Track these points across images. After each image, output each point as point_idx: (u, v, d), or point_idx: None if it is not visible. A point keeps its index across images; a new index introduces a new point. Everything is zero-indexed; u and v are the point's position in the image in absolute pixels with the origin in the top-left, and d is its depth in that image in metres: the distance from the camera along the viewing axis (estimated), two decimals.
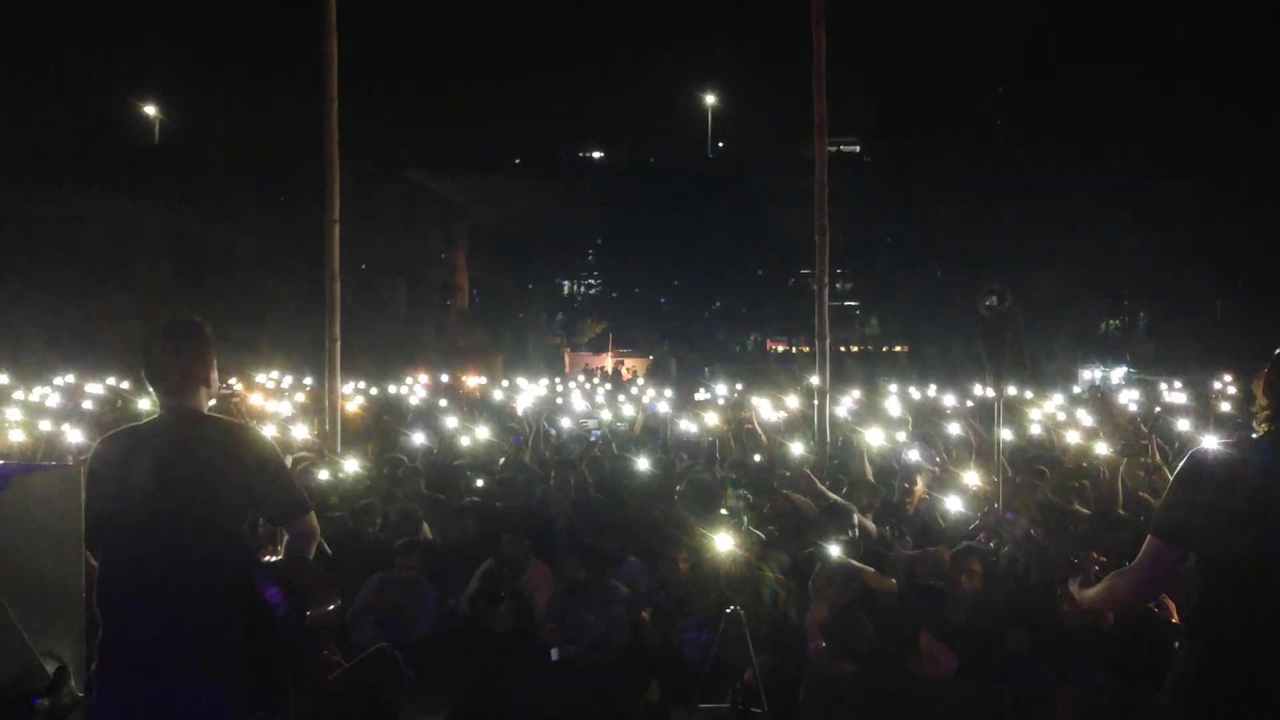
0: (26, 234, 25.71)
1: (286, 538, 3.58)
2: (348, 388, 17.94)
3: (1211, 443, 3.02)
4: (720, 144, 52.03)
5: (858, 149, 51.83)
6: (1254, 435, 2.92)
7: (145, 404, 9.65)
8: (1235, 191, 25.34)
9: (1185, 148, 25.62)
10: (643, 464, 8.37)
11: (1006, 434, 6.87)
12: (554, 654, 6.04)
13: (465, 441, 10.60)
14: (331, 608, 3.46)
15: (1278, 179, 24.09)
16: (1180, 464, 2.94)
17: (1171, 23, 26.81)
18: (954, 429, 10.43)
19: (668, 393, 16.28)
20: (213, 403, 3.68)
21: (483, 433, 10.61)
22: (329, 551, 6.36)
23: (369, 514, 7.83)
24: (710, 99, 49.56)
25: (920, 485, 7.49)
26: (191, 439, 3.39)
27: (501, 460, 9.99)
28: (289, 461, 8.56)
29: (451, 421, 11.58)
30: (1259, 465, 2.79)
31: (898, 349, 42.07)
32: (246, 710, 3.29)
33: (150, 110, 42.25)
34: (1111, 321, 38.29)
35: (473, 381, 20.54)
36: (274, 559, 3.59)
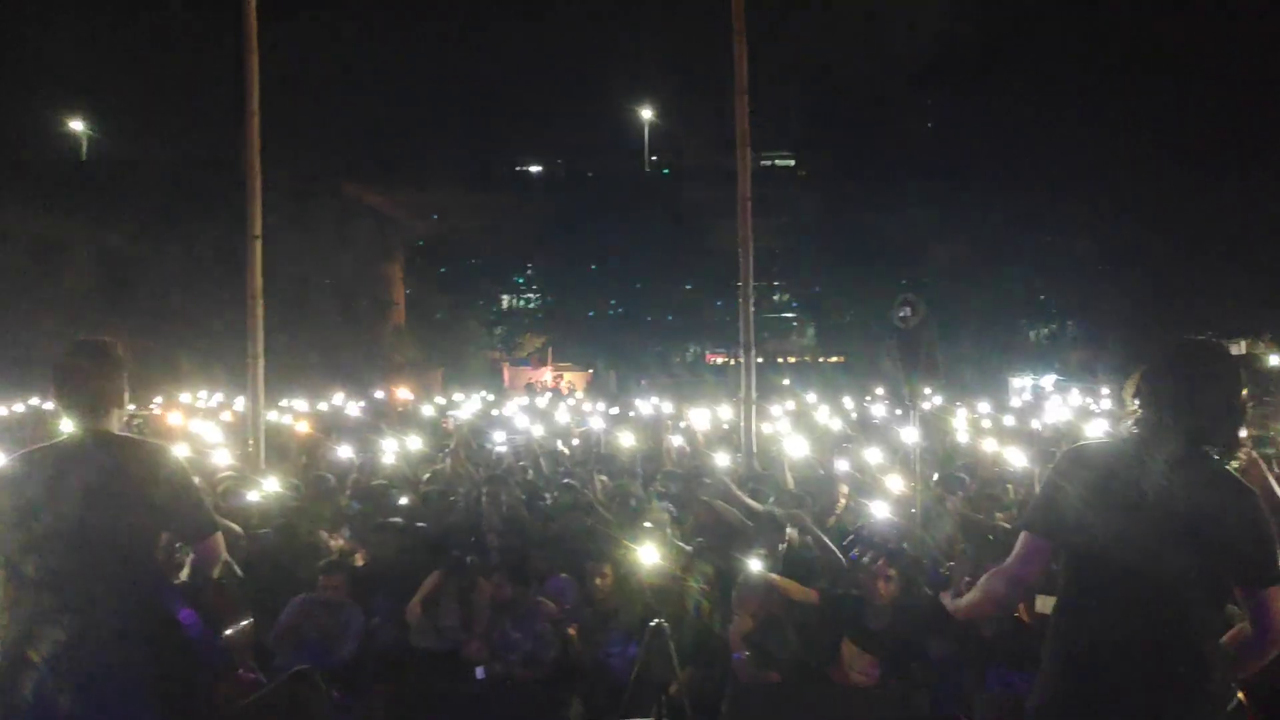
0: None
1: (191, 558, 3.54)
2: (284, 405, 17.73)
3: (1086, 440, 3.10)
4: (655, 158, 52.23)
5: (792, 163, 52.39)
6: (1124, 435, 2.99)
7: (67, 425, 9.40)
8: (1161, 202, 26.02)
9: (1113, 160, 26.25)
10: (568, 481, 8.35)
11: (915, 436, 6.95)
12: (479, 672, 6.00)
13: (391, 459, 10.49)
14: (243, 625, 3.44)
15: (1203, 191, 24.80)
16: (1054, 461, 3.01)
17: (1098, 37, 27.41)
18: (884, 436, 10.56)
19: (600, 407, 16.28)
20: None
21: (413, 446, 10.51)
22: (239, 573, 6.27)
23: (291, 533, 7.74)
24: (647, 113, 49.76)
25: (843, 495, 7.56)
26: (102, 459, 3.35)
27: (427, 476, 9.90)
28: (206, 482, 8.45)
29: (382, 438, 11.46)
30: (1126, 464, 2.86)
31: (834, 359, 42.55)
32: None
33: (77, 126, 41.36)
34: (1041, 330, 39.09)
35: (404, 396, 20.34)
36: (184, 580, 3.54)
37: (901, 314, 5.84)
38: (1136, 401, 2.95)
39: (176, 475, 3.43)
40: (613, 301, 43.05)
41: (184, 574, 3.62)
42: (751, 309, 9.14)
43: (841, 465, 8.77)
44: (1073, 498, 2.87)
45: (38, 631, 3.19)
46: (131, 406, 4.28)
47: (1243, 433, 2.94)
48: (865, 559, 5.87)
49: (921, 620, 5.75)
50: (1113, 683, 2.79)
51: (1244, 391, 2.89)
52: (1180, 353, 2.92)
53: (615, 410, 16.73)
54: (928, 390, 8.44)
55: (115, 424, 3.48)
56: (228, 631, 3.42)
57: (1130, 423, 2.95)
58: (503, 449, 10.20)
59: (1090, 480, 2.87)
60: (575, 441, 12.69)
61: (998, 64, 29.92)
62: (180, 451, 8.87)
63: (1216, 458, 2.86)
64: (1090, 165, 26.94)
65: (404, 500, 8.47)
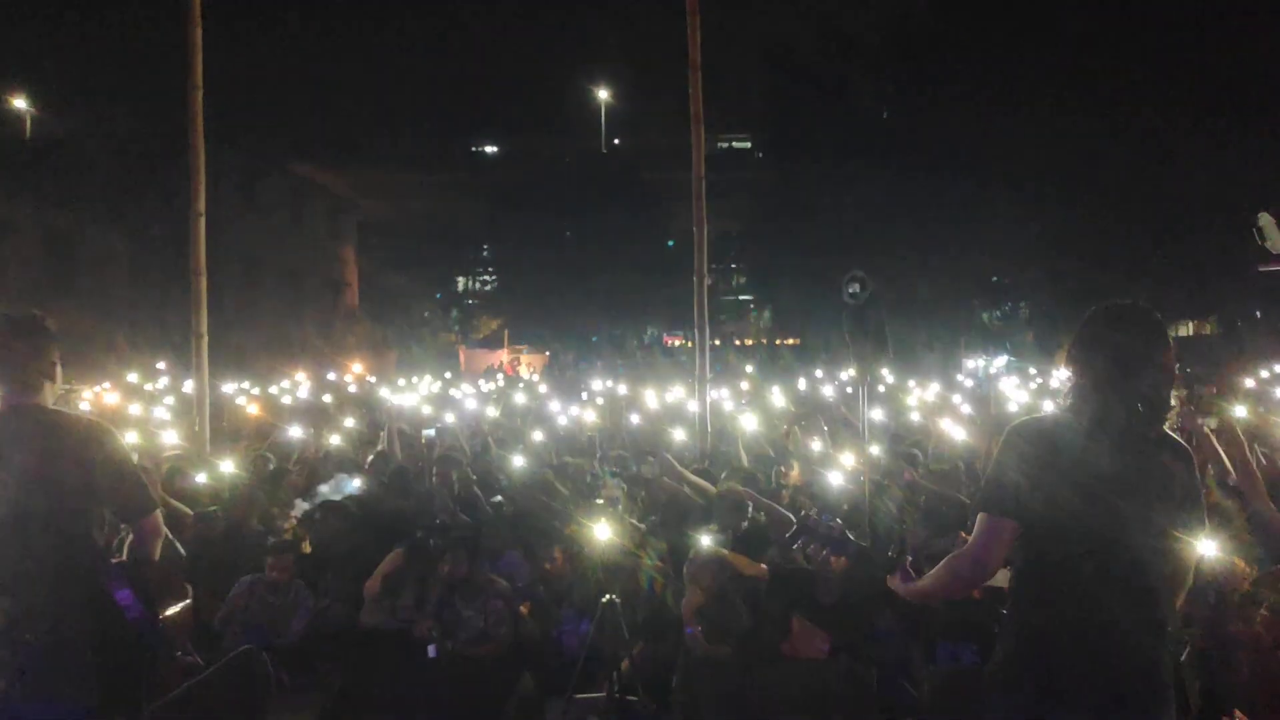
0: None
1: (130, 537, 3.47)
2: (230, 387, 17.48)
3: (1030, 416, 3.11)
4: (615, 140, 52.11)
5: (749, 144, 52.51)
6: (1062, 408, 3.00)
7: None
8: (1111, 185, 26.37)
9: (1064, 143, 26.51)
10: (519, 459, 8.32)
11: (878, 416, 7.00)
12: (431, 650, 5.96)
13: (335, 439, 10.39)
14: (182, 606, 3.38)
15: (1153, 173, 25.15)
16: (1001, 439, 3.01)
17: (1052, 18, 27.62)
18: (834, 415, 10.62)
19: (544, 389, 16.21)
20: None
21: (347, 428, 10.41)
22: (182, 552, 6.18)
23: (237, 514, 7.66)
24: (603, 94, 49.60)
25: (795, 470, 7.60)
26: (37, 436, 3.27)
27: (370, 458, 9.81)
28: (152, 462, 8.33)
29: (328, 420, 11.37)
30: (1068, 435, 2.87)
31: (789, 342, 42.77)
32: (100, 714, 3.17)
33: (20, 104, 40.42)
34: (993, 312, 39.52)
35: (349, 378, 20.09)
36: (122, 559, 3.47)
37: (851, 290, 5.87)
38: (1069, 372, 2.97)
39: (114, 452, 3.36)
40: (568, 283, 42.87)
41: (124, 553, 3.55)
42: (706, 289, 9.13)
43: (796, 441, 8.80)
44: (1022, 474, 2.86)
45: (5, 618, 3.14)
46: (67, 386, 4.20)
47: (1173, 397, 2.95)
48: (809, 550, 5.90)
49: (871, 595, 5.80)
50: (1072, 653, 2.80)
51: (1170, 353, 2.90)
52: (1104, 318, 2.93)
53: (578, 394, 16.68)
54: (883, 369, 8.48)
55: (49, 398, 3.40)
56: (167, 612, 3.35)
57: (1065, 393, 2.97)
58: (430, 433, 10.06)
59: (1036, 455, 2.87)
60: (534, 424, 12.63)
61: (950, 46, 30.09)
62: (129, 434, 8.79)
63: (1151, 421, 2.88)
64: (1042, 148, 27.19)
65: (356, 482, 8.37)
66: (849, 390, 13.78)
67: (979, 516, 2.97)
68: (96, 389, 15.32)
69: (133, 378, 17.32)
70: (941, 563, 3.07)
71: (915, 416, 11.81)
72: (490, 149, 60.29)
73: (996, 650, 2.99)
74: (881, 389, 14.10)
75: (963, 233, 30.59)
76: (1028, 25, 28.14)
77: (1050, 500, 2.81)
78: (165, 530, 3.56)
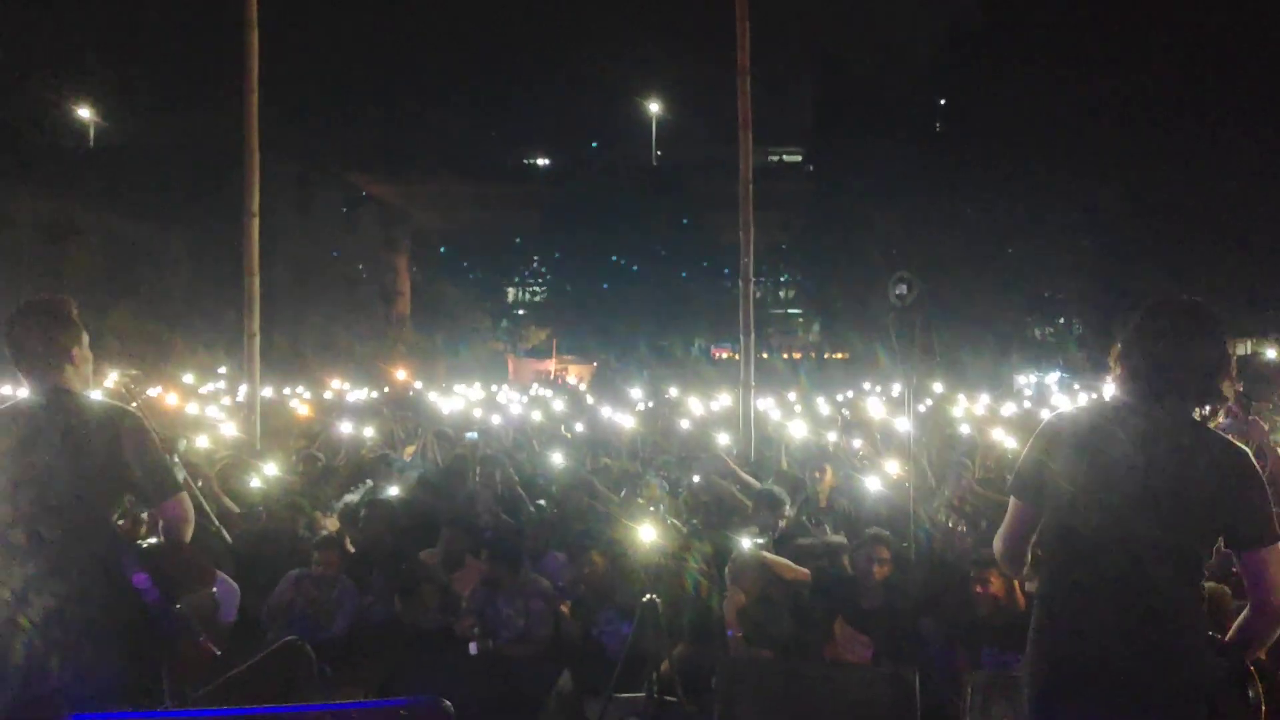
0: None
1: (162, 522, 3.49)
2: (284, 390, 17.75)
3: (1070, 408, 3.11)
4: (660, 152, 52.24)
5: (800, 158, 52.33)
6: (1106, 401, 3.02)
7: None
8: (1171, 202, 25.90)
9: (1122, 155, 26.09)
10: (558, 459, 8.34)
11: (909, 422, 6.92)
12: (472, 648, 5.98)
13: (370, 431, 10.48)
14: (201, 594, 3.40)
15: (1210, 193, 24.66)
16: (1038, 429, 3.02)
17: (1113, 31, 27.20)
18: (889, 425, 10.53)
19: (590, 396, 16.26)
20: (119, 391, 3.62)
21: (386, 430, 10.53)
22: (228, 539, 6.26)
23: (293, 512, 7.76)
24: (654, 106, 49.78)
25: (829, 474, 7.55)
26: (58, 418, 3.31)
27: (407, 458, 9.90)
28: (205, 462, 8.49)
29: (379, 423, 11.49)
30: (1107, 427, 2.86)
31: (838, 356, 42.45)
32: (121, 691, 3.21)
33: (85, 113, 41.46)
34: (1045, 328, 38.95)
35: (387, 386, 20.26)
36: (147, 544, 3.49)
37: (898, 291, 5.82)
38: (1117, 368, 2.94)
39: (136, 435, 3.37)
40: (616, 294, 42.98)
41: (152, 539, 3.57)
42: (752, 292, 9.11)
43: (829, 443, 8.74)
44: (1054, 463, 2.88)
45: (31, 598, 3.19)
46: (127, 376, 4.27)
47: (1227, 391, 2.90)
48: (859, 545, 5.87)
49: (914, 600, 5.74)
50: (1099, 648, 2.77)
51: (1223, 349, 2.85)
52: (1148, 311, 2.91)
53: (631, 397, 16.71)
54: (927, 373, 8.38)
55: (73, 382, 3.43)
56: (187, 598, 3.36)
57: (1113, 385, 2.95)
58: (473, 435, 10.15)
59: (1071, 445, 2.88)
60: (579, 428, 12.68)
61: (1004, 60, 29.77)
62: (200, 438, 8.97)
63: (1199, 418, 2.83)
64: (1097, 161, 26.81)
65: (394, 489, 8.44)
66: (894, 396, 13.65)
67: (1010, 500, 3.05)
68: (152, 391, 15.62)
69: (189, 379, 17.64)
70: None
71: (965, 429, 11.67)
72: (541, 161, 60.67)
73: (1027, 648, 2.98)
74: (929, 401, 13.98)
75: (1015, 247, 30.24)
76: (1082, 38, 27.77)
77: (1077, 491, 2.82)
78: (194, 517, 3.55)
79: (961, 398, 15.79)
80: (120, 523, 3.44)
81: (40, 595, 3.17)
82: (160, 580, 3.23)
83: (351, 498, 8.15)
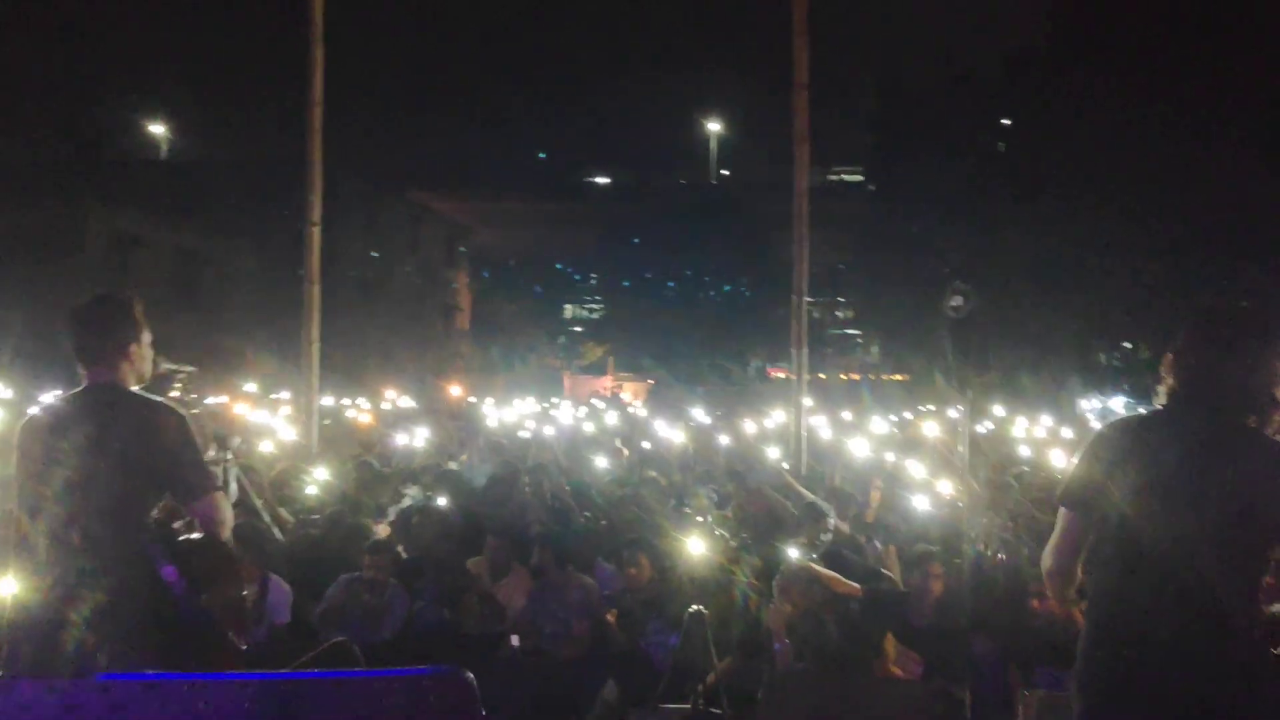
0: (26, 243, 25.79)
1: (198, 520, 3.54)
2: (345, 401, 18.02)
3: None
4: (723, 171, 52.30)
5: (861, 177, 52.00)
6: (1158, 409, 2.94)
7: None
8: (1245, 223, 25.25)
9: (1194, 178, 25.48)
10: (601, 462, 8.35)
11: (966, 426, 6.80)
12: (514, 640, 6.01)
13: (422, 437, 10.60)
14: (228, 591, 3.42)
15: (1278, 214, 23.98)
16: (1091, 436, 2.98)
17: (1181, 53, 26.62)
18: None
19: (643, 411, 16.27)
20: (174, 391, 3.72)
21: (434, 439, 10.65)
22: (280, 537, 6.34)
23: (347, 517, 7.88)
24: (714, 126, 49.89)
25: (877, 490, 7.46)
26: (105, 413, 3.39)
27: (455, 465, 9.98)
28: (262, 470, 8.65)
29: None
30: (1159, 434, 2.82)
31: (896, 378, 41.96)
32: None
33: (158, 129, 42.65)
34: (1111, 353, 38.15)
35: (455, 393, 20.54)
36: (182, 539, 3.53)
37: (953, 303, 5.72)
38: (1169, 377, 2.89)
39: (177, 432, 3.42)
40: (674, 312, 43.02)
41: (193, 535, 3.60)
42: (805, 306, 9.05)
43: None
44: (1106, 471, 2.83)
45: (84, 594, 3.25)
46: (177, 373, 4.32)
47: None
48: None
49: (966, 617, 5.64)
50: (1153, 660, 2.71)
51: (1269, 350, 2.78)
52: (1203, 318, 2.88)
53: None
54: (981, 388, 8.24)
55: (131, 379, 3.50)
56: (211, 595, 3.37)
57: (1163, 394, 2.90)
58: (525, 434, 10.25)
59: (1124, 452, 2.83)
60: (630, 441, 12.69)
61: (1070, 79, 29.31)
62: (264, 443, 9.16)
63: (1252, 424, 2.76)
64: (1167, 184, 26.26)
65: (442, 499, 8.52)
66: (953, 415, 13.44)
67: (1060, 510, 3.01)
68: (218, 400, 15.94)
69: (251, 387, 17.96)
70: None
71: (1024, 450, 11.48)
72: (601, 180, 61.04)
73: (1078, 657, 2.92)
74: (989, 424, 13.78)
75: (1080, 270, 29.68)
76: (1150, 58, 27.24)
77: (1119, 495, 2.76)
78: (231, 518, 3.59)
79: (1021, 420, 15.54)
80: (154, 514, 3.48)
81: (92, 591, 3.24)
82: (187, 573, 3.27)
83: (405, 502, 8.24)
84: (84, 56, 30.77)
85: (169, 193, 31.51)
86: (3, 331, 19.93)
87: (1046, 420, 15.19)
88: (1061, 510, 3.01)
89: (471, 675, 1.35)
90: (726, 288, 43.23)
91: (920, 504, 6.63)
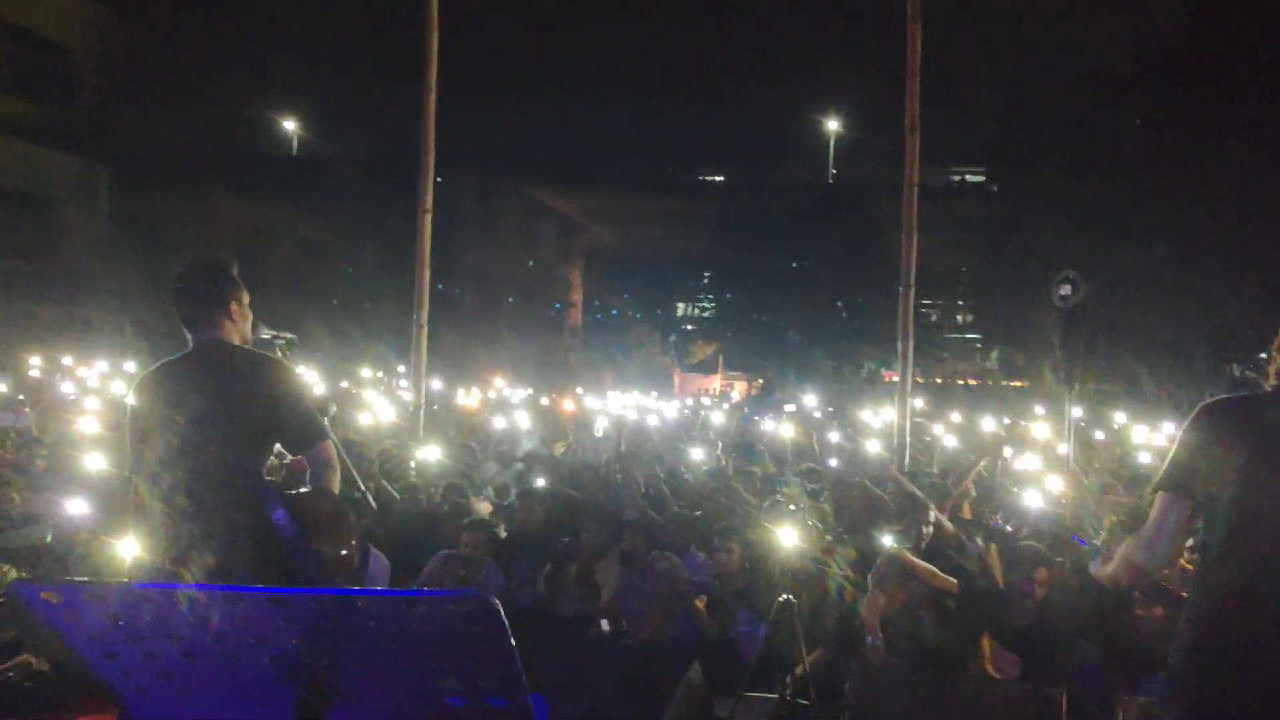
0: (163, 231, 26.97)
1: (309, 470, 3.63)
2: (458, 391, 18.44)
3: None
4: (836, 170, 51.54)
5: (983, 178, 50.65)
6: (1265, 389, 2.79)
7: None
8: None
9: None
10: (698, 454, 8.31)
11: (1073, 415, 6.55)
12: (604, 624, 6.03)
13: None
14: (339, 545, 3.49)
15: None
16: (1189, 418, 2.79)
17: None
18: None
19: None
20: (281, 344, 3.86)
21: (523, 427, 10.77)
22: (373, 505, 6.47)
23: (450, 495, 8.06)
24: (832, 124, 49.24)
25: (969, 484, 7.21)
26: (215, 369, 3.51)
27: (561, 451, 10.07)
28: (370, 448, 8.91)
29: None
30: (1264, 414, 2.66)
31: (1016, 384, 40.71)
32: None
33: (289, 124, 44.21)
34: (1245, 365, 36.34)
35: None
36: (292, 491, 3.62)
37: (1062, 291, 5.49)
38: (1278, 356, 2.73)
39: (285, 386, 3.53)
40: (787, 312, 42.63)
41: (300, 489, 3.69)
42: (912, 299, 8.84)
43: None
44: (1212, 451, 2.67)
45: (195, 557, 3.36)
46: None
47: None
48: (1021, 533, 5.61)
49: (1066, 620, 5.43)
50: (1256, 639, 2.54)
51: None
52: None
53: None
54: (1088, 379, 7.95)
55: (234, 337, 3.62)
56: (322, 544, 3.44)
57: (1273, 374, 2.72)
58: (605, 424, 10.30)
59: (1231, 432, 2.67)
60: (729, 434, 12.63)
61: (1207, 78, 28.01)
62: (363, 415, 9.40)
63: None
64: None
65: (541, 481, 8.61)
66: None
67: (1156, 496, 2.80)
68: (341, 385, 16.52)
69: (366, 372, 18.51)
70: (1121, 546, 2.89)
71: (1145, 458, 11.02)
72: (717, 178, 60.81)
73: (1175, 642, 2.75)
74: (1101, 432, 13.32)
75: (1213, 278, 28.35)
76: None
77: (1233, 479, 2.58)
78: (337, 461, 3.66)
79: (1141, 428, 14.95)
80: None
81: (203, 555, 3.33)
82: (298, 520, 3.35)
83: (502, 479, 8.36)
84: (223, 57, 32.11)
85: (296, 185, 32.63)
86: (125, 312, 20.89)
87: (1169, 428, 14.56)
88: (1159, 497, 2.79)
89: (496, 601, 1.34)
90: (841, 288, 42.59)
91: (1033, 502, 6.39)
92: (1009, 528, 5.69)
